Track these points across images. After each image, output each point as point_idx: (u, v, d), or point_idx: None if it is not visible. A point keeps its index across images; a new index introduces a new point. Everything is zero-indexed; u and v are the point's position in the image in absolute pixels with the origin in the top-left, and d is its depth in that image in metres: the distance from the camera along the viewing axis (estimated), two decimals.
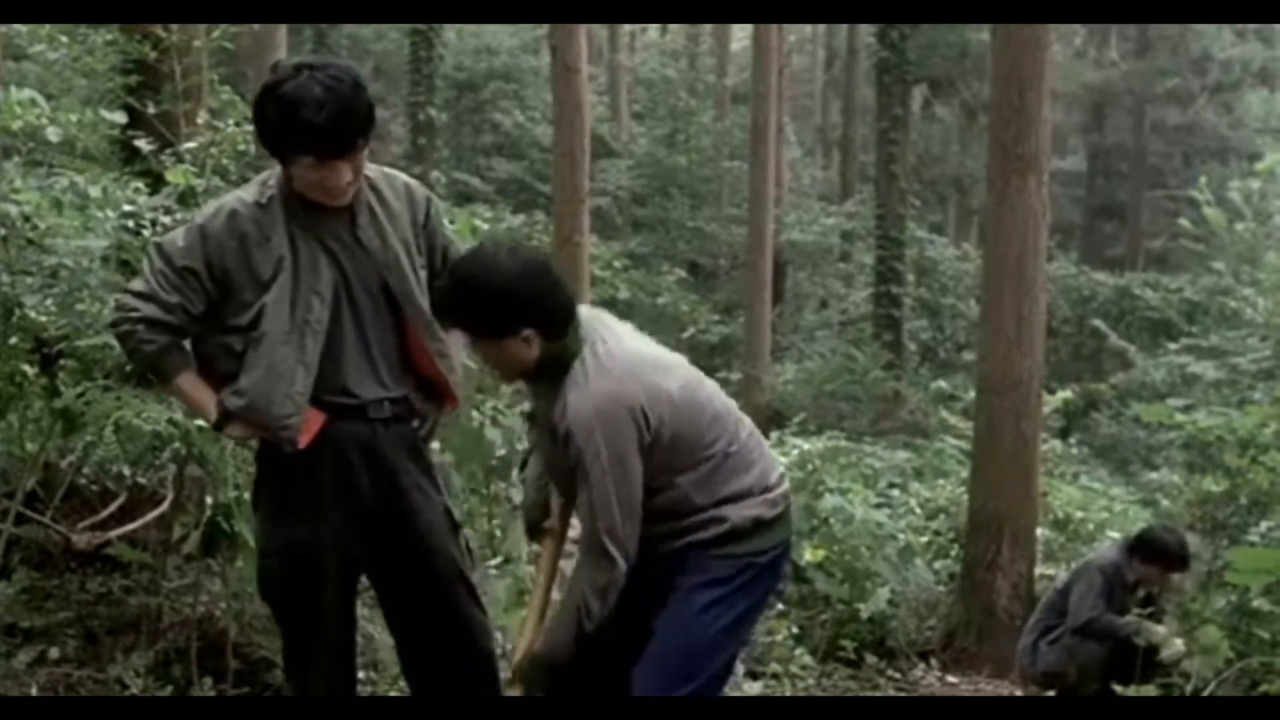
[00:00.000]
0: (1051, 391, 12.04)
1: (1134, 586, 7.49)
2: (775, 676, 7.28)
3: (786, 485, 4.02)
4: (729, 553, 3.86)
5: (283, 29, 16.74)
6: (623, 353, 3.79)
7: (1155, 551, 7.45)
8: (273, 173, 3.79)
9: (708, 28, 36.77)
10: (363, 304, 3.84)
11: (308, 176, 3.66)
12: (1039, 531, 9.42)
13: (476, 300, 3.67)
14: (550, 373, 3.76)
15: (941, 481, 12.44)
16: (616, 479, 3.71)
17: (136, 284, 3.82)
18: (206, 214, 3.81)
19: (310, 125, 3.55)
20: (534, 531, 4.13)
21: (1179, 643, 7.05)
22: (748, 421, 4.03)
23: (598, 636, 3.96)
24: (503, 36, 34.71)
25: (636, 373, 3.76)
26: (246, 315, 3.75)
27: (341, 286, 3.80)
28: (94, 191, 5.24)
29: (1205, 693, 6.10)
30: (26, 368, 5.15)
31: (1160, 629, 7.19)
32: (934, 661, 8.67)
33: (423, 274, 3.92)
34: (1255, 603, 7.55)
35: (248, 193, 3.81)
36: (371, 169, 3.85)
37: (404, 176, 4.02)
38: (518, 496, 7.18)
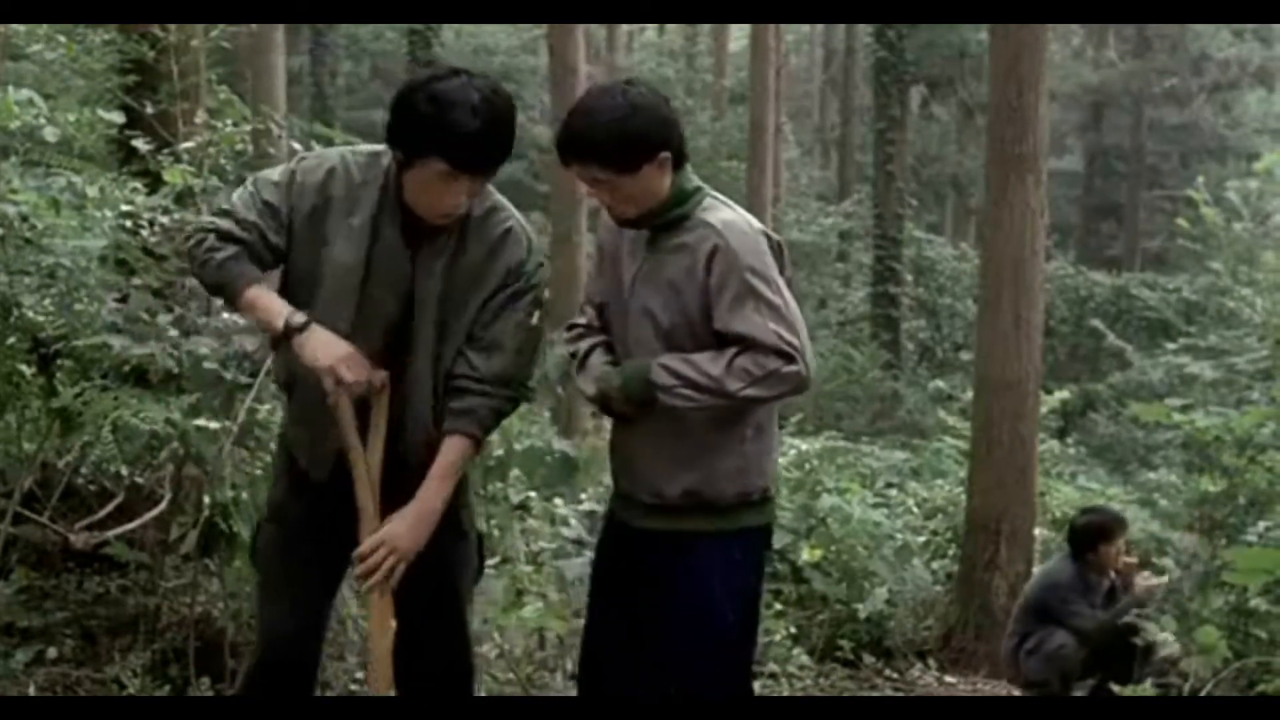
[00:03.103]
0: (1049, 391, 12.02)
1: (1098, 581, 7.61)
2: (773, 676, 7.27)
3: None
4: (734, 528, 3.80)
5: (281, 29, 16.77)
6: None
7: (1094, 533, 7.62)
8: (387, 152, 3.59)
9: (705, 27, 36.78)
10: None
11: (430, 184, 3.47)
12: (1036, 531, 9.43)
13: (623, 122, 3.59)
14: (667, 216, 3.70)
15: (939, 481, 12.44)
16: (785, 296, 3.67)
17: (221, 203, 3.73)
18: (308, 163, 3.64)
19: (458, 129, 3.39)
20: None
21: (1175, 644, 7.07)
22: None
23: (608, 641, 3.97)
24: (501, 37, 34.73)
25: None
26: (306, 278, 3.61)
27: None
28: (92, 191, 5.25)
29: (1203, 692, 6.11)
30: (24, 367, 5.16)
31: (1152, 627, 7.21)
32: (931, 661, 8.68)
33: (458, 339, 3.65)
34: (1253, 602, 7.56)
35: (357, 160, 3.63)
36: (493, 199, 3.67)
37: (513, 226, 3.69)
38: (516, 496, 7.20)
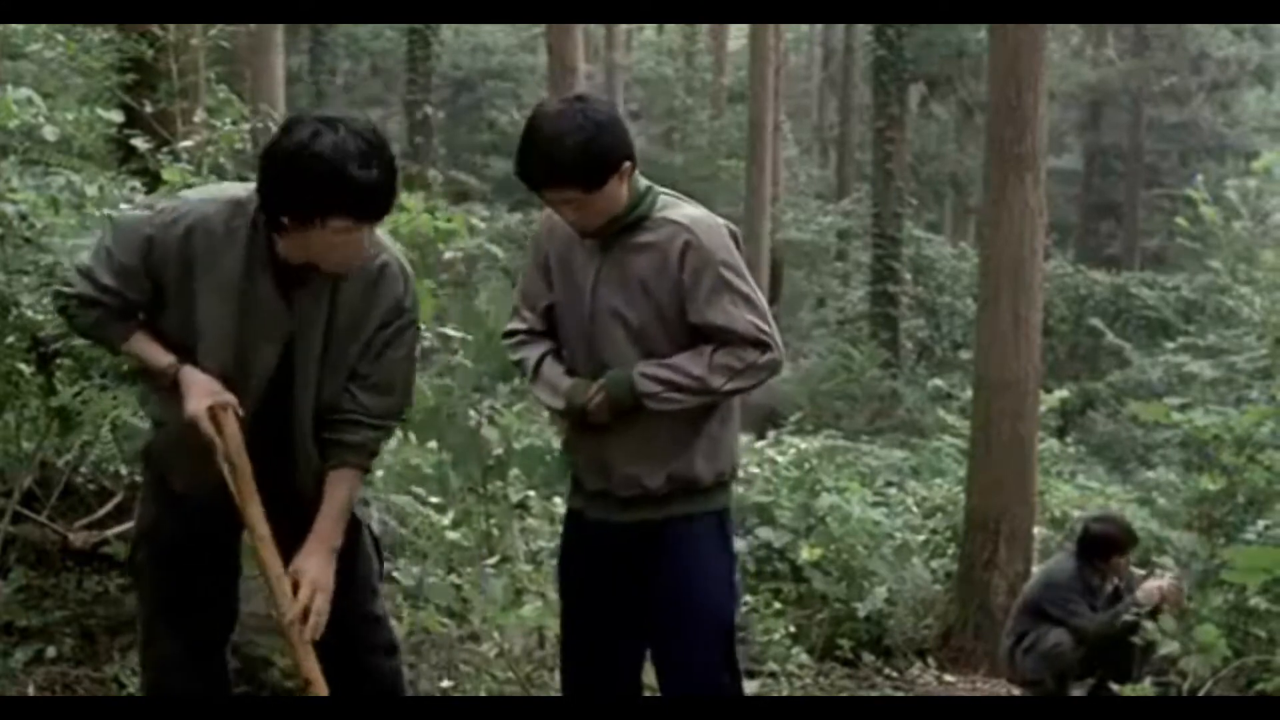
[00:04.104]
0: (1048, 390, 12.03)
1: (1100, 584, 7.62)
2: (773, 675, 7.28)
3: None
4: (711, 509, 3.89)
5: (280, 28, 16.73)
6: None
7: (1106, 544, 7.61)
8: (250, 198, 3.47)
9: (704, 26, 36.77)
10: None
11: (333, 242, 3.37)
12: (1036, 530, 9.43)
13: (590, 143, 3.59)
14: (626, 220, 3.73)
15: (938, 480, 12.45)
16: (754, 284, 3.75)
17: (82, 258, 3.67)
18: (164, 220, 3.51)
19: (356, 183, 3.28)
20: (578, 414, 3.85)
21: (1174, 642, 7.07)
22: None
23: (593, 640, 4.00)
24: (500, 35, 34.76)
25: None
26: (180, 333, 3.57)
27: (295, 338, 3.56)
28: (90, 190, 5.23)
29: (1202, 691, 6.11)
30: (23, 366, 5.14)
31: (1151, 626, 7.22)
32: (931, 660, 8.68)
33: (340, 374, 3.60)
34: (1252, 601, 7.57)
35: (217, 211, 3.50)
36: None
37: (388, 261, 3.59)
38: (515, 495, 7.20)
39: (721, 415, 3.86)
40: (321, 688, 3.55)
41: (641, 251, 3.73)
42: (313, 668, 3.55)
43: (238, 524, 3.57)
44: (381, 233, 3.60)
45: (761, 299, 3.76)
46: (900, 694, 7.84)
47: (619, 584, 3.93)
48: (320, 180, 3.28)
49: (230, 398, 3.50)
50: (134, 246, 3.51)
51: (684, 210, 3.77)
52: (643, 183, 3.77)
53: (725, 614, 3.91)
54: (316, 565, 3.53)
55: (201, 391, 3.49)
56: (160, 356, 3.56)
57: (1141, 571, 7.83)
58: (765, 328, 3.72)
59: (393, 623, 4.03)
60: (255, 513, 3.51)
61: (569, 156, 3.58)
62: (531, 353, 3.94)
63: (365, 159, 3.30)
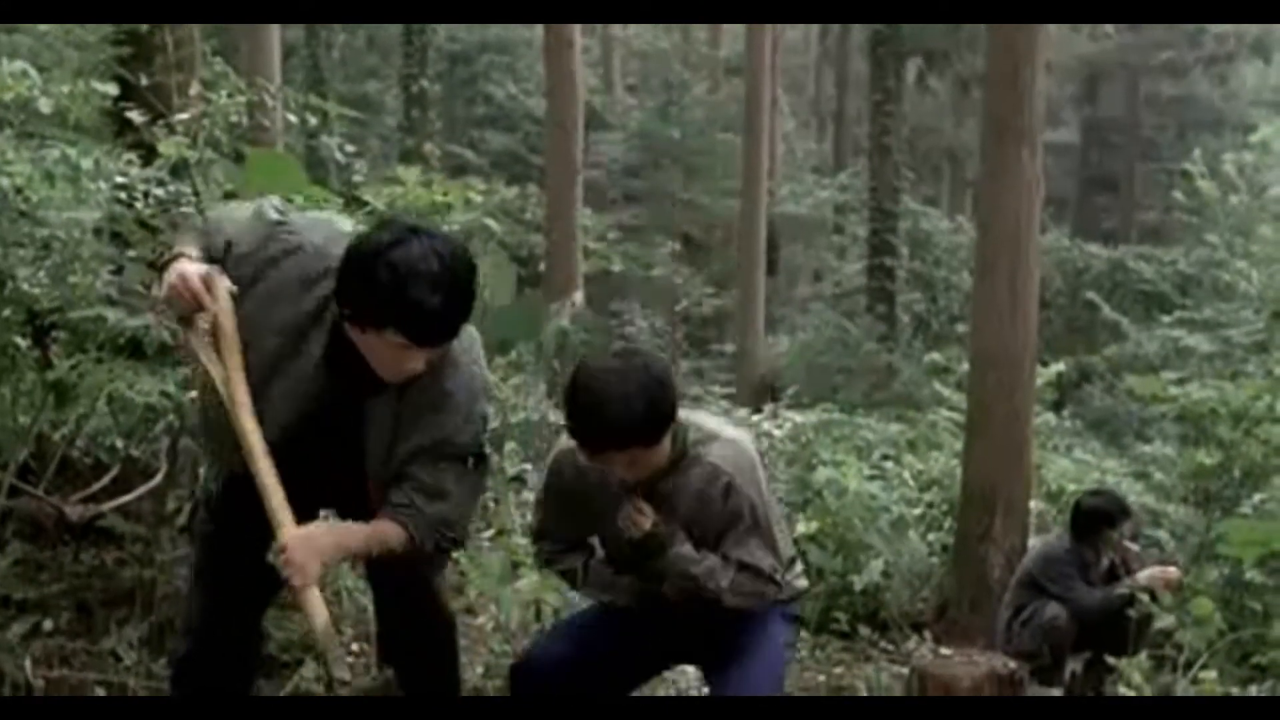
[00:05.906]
0: (1045, 364, 12.01)
1: (1096, 560, 7.62)
2: None
3: None
4: (788, 612, 4.17)
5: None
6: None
7: (1097, 518, 7.58)
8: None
9: None
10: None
11: (386, 351, 3.26)
12: (1032, 504, 9.43)
13: (658, 403, 3.60)
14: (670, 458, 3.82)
15: (935, 454, 12.43)
16: (776, 519, 3.97)
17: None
18: (275, 238, 3.44)
19: (419, 306, 3.15)
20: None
21: (1170, 617, 7.08)
22: None
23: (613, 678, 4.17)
24: None
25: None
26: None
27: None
28: (86, 163, 5.22)
29: (1197, 665, 6.12)
30: (19, 340, 5.15)
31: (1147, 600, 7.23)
32: (927, 633, 8.69)
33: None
34: (1248, 575, 7.59)
35: (313, 260, 3.40)
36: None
37: (453, 391, 3.44)
38: (510, 469, 7.20)
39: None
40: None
41: (681, 494, 3.82)
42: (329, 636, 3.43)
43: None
44: (466, 350, 3.47)
45: (778, 539, 3.96)
46: (896, 667, 7.85)
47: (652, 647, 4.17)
48: (381, 290, 3.16)
49: (224, 278, 3.37)
50: (220, 238, 3.48)
51: (716, 449, 3.83)
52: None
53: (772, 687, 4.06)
54: (311, 533, 3.39)
55: (193, 266, 3.37)
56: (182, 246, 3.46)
57: (1136, 547, 7.82)
58: (778, 567, 3.93)
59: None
60: (237, 380, 3.36)
61: (638, 419, 3.58)
62: (576, 560, 4.12)
63: (435, 282, 3.16)
